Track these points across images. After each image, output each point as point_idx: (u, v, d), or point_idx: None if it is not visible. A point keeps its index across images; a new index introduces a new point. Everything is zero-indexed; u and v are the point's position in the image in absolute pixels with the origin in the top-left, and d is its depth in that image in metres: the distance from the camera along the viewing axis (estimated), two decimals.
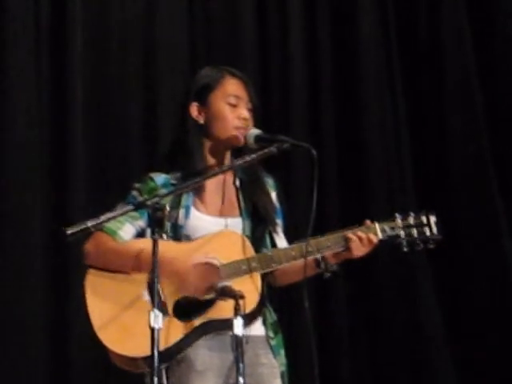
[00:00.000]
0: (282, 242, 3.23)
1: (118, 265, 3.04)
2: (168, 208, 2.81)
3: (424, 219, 3.15)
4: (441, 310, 4.78)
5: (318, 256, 3.10)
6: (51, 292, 4.32)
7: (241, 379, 2.73)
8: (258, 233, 3.19)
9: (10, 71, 4.48)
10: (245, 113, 3.19)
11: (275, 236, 3.22)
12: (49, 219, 4.38)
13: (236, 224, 3.16)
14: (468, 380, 4.70)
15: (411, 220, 3.15)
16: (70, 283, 4.15)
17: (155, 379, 2.62)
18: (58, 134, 4.52)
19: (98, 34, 4.72)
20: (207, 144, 3.21)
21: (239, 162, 3.07)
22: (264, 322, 3.14)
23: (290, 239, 3.19)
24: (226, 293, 2.89)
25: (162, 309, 2.82)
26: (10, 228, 4.35)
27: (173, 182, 3.14)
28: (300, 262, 3.05)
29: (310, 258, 3.07)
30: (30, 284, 4.29)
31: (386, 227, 3.13)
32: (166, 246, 2.88)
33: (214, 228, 3.11)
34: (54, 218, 4.36)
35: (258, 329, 3.10)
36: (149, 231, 3.09)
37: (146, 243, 2.91)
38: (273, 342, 3.14)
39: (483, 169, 4.86)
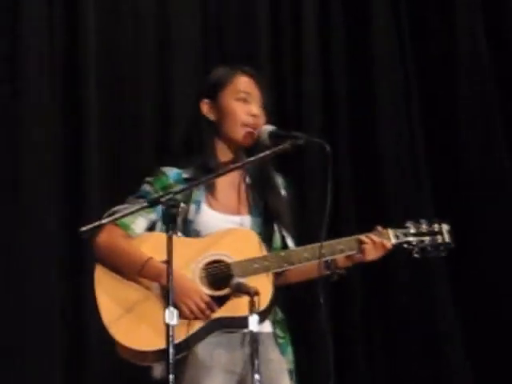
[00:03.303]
0: (289, 240, 3.24)
1: (123, 263, 3.06)
2: (182, 204, 2.80)
3: (436, 227, 3.19)
4: (458, 317, 4.80)
5: (329, 258, 3.11)
6: (67, 290, 4.34)
7: (257, 376, 2.74)
8: (268, 232, 3.19)
9: (22, 70, 4.48)
10: (254, 109, 3.19)
11: (286, 236, 3.23)
12: (64, 216, 4.39)
13: (245, 222, 3.17)
14: (483, 378, 4.70)
15: (424, 228, 3.18)
16: (85, 280, 4.17)
17: (171, 377, 2.63)
18: (71, 134, 4.52)
19: (110, 34, 4.71)
20: (219, 141, 3.22)
21: (252, 158, 3.08)
22: (273, 321, 3.16)
23: (304, 239, 3.19)
24: (241, 289, 2.91)
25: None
26: (24, 227, 4.34)
27: (185, 176, 3.15)
28: (311, 263, 3.06)
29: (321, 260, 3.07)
30: (45, 284, 4.30)
31: (399, 233, 3.16)
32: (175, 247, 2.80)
33: (224, 225, 3.12)
34: (69, 215, 4.38)
35: (266, 326, 3.11)
36: (159, 224, 3.12)
37: (157, 244, 2.90)
38: (281, 341, 3.16)
39: (501, 176, 4.86)
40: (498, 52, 4.98)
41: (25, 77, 4.46)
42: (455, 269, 4.68)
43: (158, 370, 3.03)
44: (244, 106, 3.18)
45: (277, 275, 3.10)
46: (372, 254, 3.10)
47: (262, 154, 3.03)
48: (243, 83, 3.22)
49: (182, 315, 2.90)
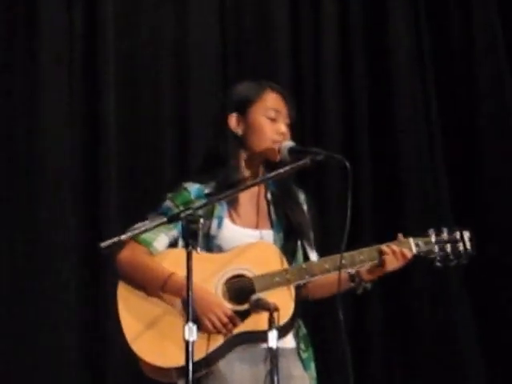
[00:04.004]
0: (313, 255, 3.22)
1: (146, 279, 3.06)
2: (202, 221, 2.79)
3: (458, 235, 3.15)
4: (475, 320, 4.78)
5: (352, 271, 3.09)
6: (85, 304, 4.39)
7: None
8: (290, 246, 3.19)
9: (40, 78, 4.56)
10: (283, 127, 3.19)
11: (308, 249, 3.21)
12: (81, 228, 4.42)
13: (268, 236, 3.17)
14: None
15: (445, 236, 3.15)
16: (103, 292, 4.20)
17: None
18: (90, 144, 4.58)
19: (128, 41, 4.77)
20: (243, 155, 3.22)
21: (273, 174, 3.07)
22: (296, 335, 3.14)
23: (323, 254, 3.17)
24: (261, 305, 2.89)
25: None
26: (42, 239, 4.40)
27: (206, 192, 3.15)
28: (333, 275, 3.03)
29: (344, 273, 3.06)
30: (63, 296, 4.35)
31: (420, 242, 3.14)
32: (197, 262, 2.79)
33: (246, 239, 3.12)
34: (87, 226, 4.40)
35: (289, 341, 3.10)
36: (181, 240, 3.11)
37: (178, 260, 2.89)
38: (304, 355, 3.15)
39: None
40: None
41: (43, 87, 4.50)
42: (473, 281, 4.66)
43: None
44: (273, 124, 3.19)
45: (298, 289, 3.08)
46: (393, 264, 3.08)
47: (281, 170, 3.02)
48: (272, 100, 3.23)
49: (204, 329, 2.91)
